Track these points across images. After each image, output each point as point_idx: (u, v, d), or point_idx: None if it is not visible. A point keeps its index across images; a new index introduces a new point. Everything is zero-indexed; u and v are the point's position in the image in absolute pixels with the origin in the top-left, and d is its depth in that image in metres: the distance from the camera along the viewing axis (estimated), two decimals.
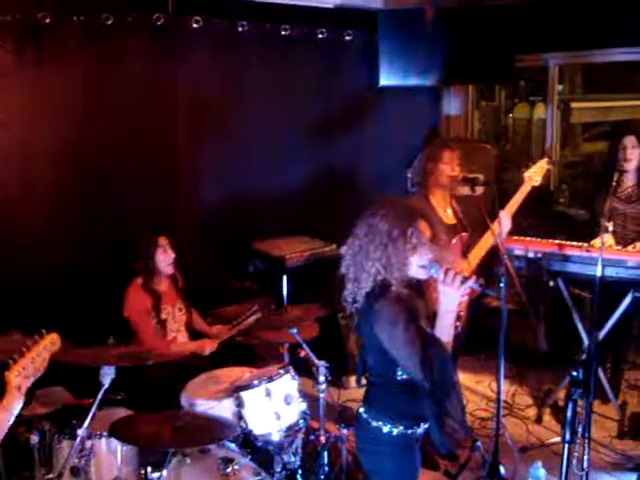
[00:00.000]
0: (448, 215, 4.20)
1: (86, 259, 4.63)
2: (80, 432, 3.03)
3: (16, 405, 2.40)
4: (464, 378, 5.21)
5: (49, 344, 2.55)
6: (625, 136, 4.64)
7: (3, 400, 2.40)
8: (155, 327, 4.16)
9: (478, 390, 5.16)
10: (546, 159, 4.25)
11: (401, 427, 2.57)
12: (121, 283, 4.16)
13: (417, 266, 2.46)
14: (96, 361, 3.15)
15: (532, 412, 4.82)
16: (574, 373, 2.22)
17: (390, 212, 2.50)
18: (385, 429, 2.57)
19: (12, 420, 2.41)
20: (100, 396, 3.05)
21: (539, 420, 4.74)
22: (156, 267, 4.19)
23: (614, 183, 4.42)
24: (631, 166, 4.62)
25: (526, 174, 4.14)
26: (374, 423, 2.59)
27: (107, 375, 3.08)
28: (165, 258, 4.19)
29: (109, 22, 4.44)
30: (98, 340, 3.36)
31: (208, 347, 4.17)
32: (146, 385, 3.85)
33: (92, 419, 3.03)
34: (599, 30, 5.35)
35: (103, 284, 4.47)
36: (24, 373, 2.42)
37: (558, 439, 4.15)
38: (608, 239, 4.26)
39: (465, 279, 2.36)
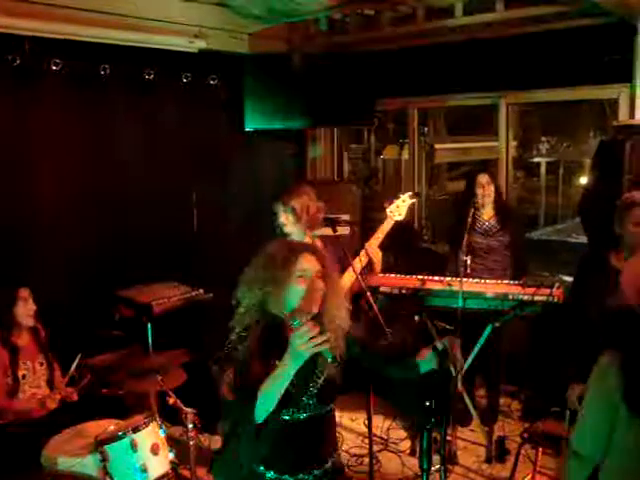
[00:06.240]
0: None
1: None
2: None
3: None
4: (340, 416, 5.25)
5: None
6: (479, 174, 4.92)
7: None
8: (7, 385, 3.92)
9: (353, 427, 5.19)
10: (409, 193, 4.26)
11: None
12: None
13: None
14: None
15: (407, 445, 4.89)
16: (426, 403, 2.29)
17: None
18: None
19: None
20: None
21: (413, 452, 4.80)
22: (15, 320, 4.01)
23: (469, 220, 4.67)
24: (488, 201, 4.89)
25: (388, 210, 4.21)
26: None
27: None
28: (25, 311, 4.04)
29: None
30: None
31: (50, 401, 3.95)
32: (1, 445, 3.61)
33: None
34: (451, 76, 5.68)
35: None
36: None
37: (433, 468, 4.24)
38: None
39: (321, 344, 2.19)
